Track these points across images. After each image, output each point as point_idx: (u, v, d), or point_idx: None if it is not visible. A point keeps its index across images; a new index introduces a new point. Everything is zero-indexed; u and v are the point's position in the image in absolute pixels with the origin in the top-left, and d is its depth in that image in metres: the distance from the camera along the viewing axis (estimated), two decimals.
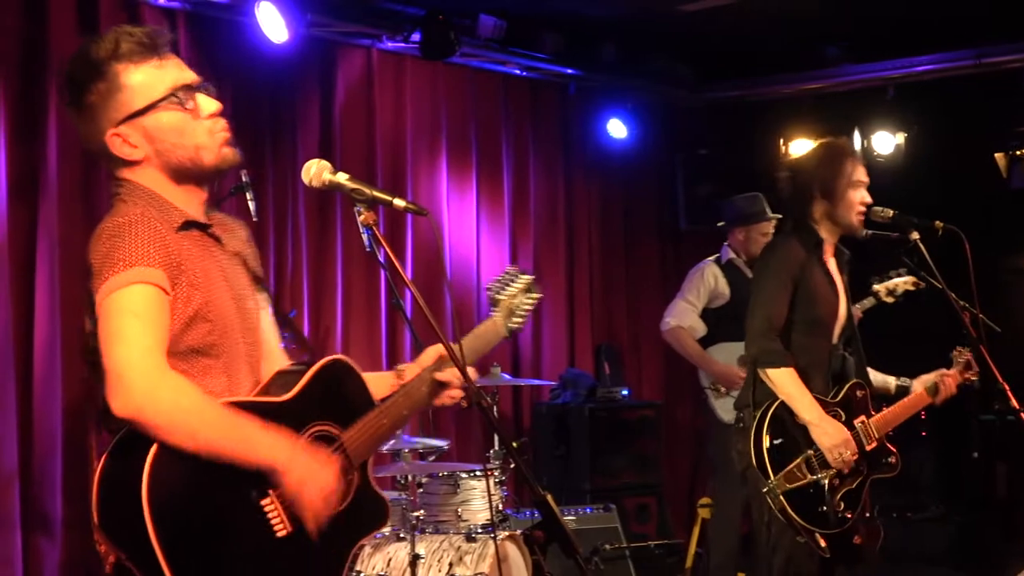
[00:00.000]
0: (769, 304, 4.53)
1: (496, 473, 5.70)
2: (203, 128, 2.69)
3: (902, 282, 5.51)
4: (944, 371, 4.82)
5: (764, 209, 6.72)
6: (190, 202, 2.72)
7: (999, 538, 7.81)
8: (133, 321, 2.46)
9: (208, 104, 2.72)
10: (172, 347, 2.56)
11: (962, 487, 8.25)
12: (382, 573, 5.23)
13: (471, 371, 2.92)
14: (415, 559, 5.19)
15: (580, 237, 8.58)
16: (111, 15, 5.94)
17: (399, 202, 2.79)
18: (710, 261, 6.98)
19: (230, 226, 2.86)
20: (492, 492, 5.59)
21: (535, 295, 3.29)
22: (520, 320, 3.25)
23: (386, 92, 7.32)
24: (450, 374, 2.95)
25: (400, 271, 2.84)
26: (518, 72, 8.01)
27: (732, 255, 6.85)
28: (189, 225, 2.68)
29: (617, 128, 8.45)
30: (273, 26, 6.19)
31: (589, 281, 8.59)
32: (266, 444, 2.54)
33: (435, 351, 2.99)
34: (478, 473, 5.58)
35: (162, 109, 2.66)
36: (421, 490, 5.55)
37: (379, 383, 2.96)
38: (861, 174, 4.63)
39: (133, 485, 2.40)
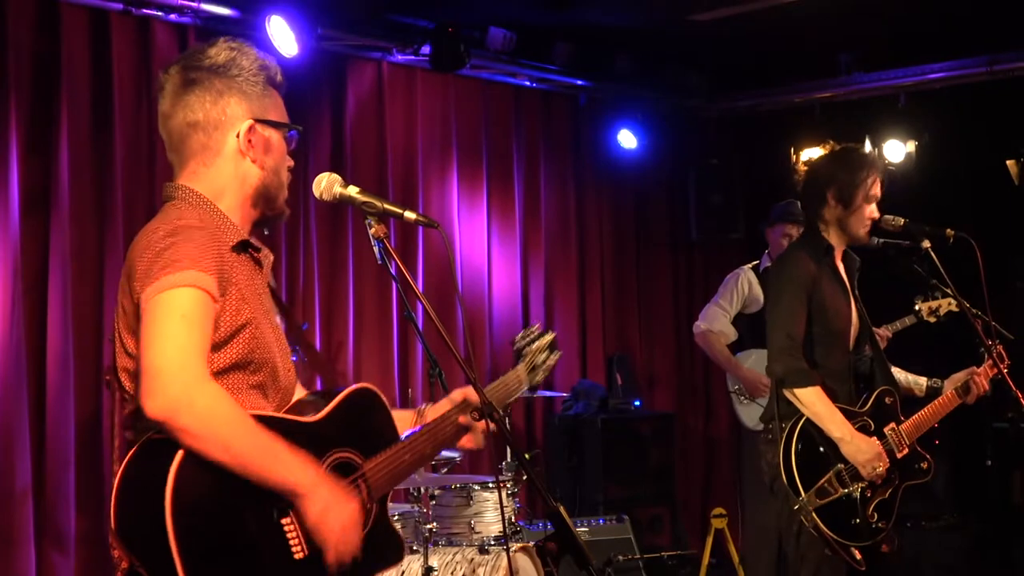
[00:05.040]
0: (788, 321, 4.48)
1: (509, 485, 5.69)
2: (286, 172, 2.84)
3: (947, 302, 5.37)
4: (975, 369, 4.74)
5: (800, 211, 6.66)
6: (246, 225, 2.76)
7: (1014, 546, 7.77)
8: (180, 323, 2.42)
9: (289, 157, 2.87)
10: (214, 359, 2.54)
11: (977, 495, 8.21)
12: None
13: None
14: (428, 572, 5.19)
15: (591, 248, 8.57)
16: (123, 31, 5.97)
17: (410, 215, 2.81)
18: (747, 268, 6.96)
19: (264, 252, 2.85)
20: (505, 504, 5.58)
21: (557, 354, 3.42)
22: (542, 376, 3.38)
23: (397, 105, 7.33)
24: (472, 420, 2.96)
25: (412, 283, 2.84)
26: (528, 83, 8.02)
27: (769, 263, 6.80)
28: (244, 246, 2.70)
29: (628, 139, 8.45)
30: (284, 40, 6.20)
31: (601, 292, 8.57)
32: (293, 468, 2.50)
33: (460, 393, 3.01)
34: (491, 485, 5.57)
35: (283, 134, 2.81)
36: (434, 502, 5.55)
37: (399, 420, 2.93)
38: (877, 188, 4.58)
39: (156, 489, 2.34)
